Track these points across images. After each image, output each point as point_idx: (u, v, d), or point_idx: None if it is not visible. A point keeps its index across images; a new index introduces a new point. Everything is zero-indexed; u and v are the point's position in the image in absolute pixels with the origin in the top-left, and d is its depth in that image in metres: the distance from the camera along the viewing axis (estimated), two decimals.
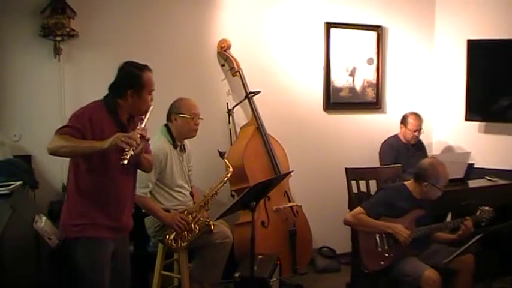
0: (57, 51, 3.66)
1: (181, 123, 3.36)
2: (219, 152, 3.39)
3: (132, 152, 2.33)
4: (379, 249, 3.23)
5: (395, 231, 3.18)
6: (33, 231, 2.96)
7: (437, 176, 3.23)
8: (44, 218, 3.11)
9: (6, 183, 3.03)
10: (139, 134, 2.41)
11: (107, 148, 2.32)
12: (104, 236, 2.54)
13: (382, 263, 3.21)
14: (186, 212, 3.29)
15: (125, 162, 2.30)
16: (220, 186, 3.38)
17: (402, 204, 3.29)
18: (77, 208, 2.51)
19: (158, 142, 3.28)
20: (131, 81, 2.52)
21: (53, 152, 2.36)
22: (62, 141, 2.33)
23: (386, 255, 3.22)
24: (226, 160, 3.43)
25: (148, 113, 2.58)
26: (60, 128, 2.41)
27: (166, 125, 3.40)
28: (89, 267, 2.51)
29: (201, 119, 3.43)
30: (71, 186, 2.54)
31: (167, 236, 3.20)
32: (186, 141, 3.50)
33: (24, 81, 3.66)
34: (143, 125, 2.51)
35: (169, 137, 3.36)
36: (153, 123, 3.31)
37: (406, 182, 3.40)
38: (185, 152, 3.47)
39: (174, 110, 3.38)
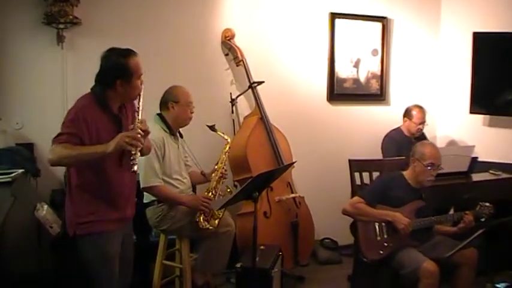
0: (60, 39, 3.65)
1: (178, 111, 3.29)
2: (208, 126, 3.38)
3: (138, 154, 2.29)
4: (378, 238, 3.22)
5: (394, 220, 3.17)
6: (34, 219, 2.97)
7: (423, 151, 3.27)
8: (45, 207, 3.12)
9: (8, 171, 3.03)
10: (141, 130, 2.34)
11: (112, 152, 2.27)
12: (113, 229, 2.51)
13: (381, 252, 3.19)
14: (206, 191, 3.32)
15: (135, 168, 2.29)
16: (225, 159, 3.44)
17: (399, 193, 3.28)
18: (82, 206, 2.45)
19: (155, 132, 3.19)
20: (118, 71, 2.41)
21: (55, 163, 2.33)
22: (63, 152, 2.26)
23: (386, 244, 3.20)
24: (219, 132, 3.44)
25: (142, 100, 2.49)
26: (57, 136, 2.32)
27: (159, 114, 3.33)
28: (99, 262, 2.48)
29: (194, 107, 3.38)
30: (73, 184, 2.47)
31: (198, 219, 3.19)
32: (181, 129, 3.43)
33: (27, 69, 3.64)
34: (140, 117, 2.42)
35: (164, 125, 3.30)
36: (151, 112, 3.30)
37: (403, 172, 3.39)
38: (180, 139, 3.43)
39: (171, 98, 3.30)
